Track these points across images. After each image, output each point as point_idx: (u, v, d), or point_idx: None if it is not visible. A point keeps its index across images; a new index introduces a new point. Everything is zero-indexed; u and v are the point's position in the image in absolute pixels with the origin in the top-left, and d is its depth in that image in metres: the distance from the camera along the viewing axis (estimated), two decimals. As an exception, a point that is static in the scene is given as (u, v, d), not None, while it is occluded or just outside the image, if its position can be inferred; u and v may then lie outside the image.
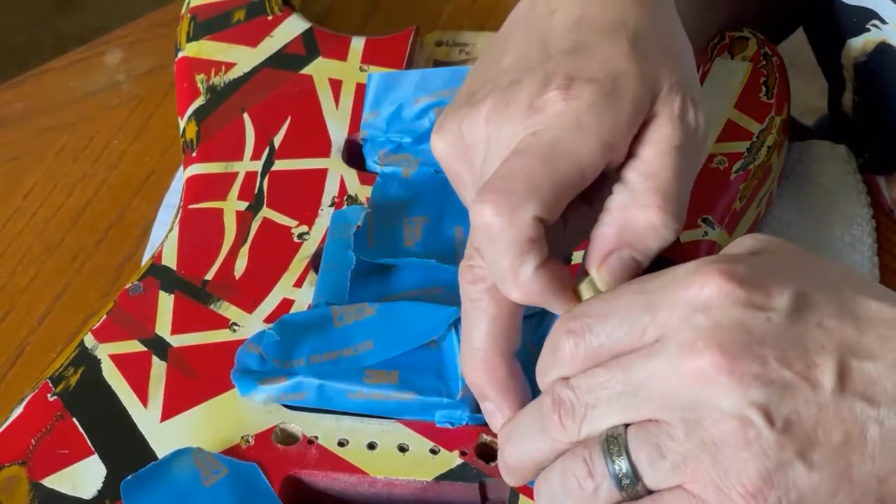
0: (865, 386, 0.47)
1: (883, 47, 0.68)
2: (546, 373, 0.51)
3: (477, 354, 0.55)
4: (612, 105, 0.53)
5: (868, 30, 0.69)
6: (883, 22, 0.67)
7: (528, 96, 0.54)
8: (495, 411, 0.56)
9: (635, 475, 0.48)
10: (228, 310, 0.64)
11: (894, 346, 0.48)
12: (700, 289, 0.49)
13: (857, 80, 0.71)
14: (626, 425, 0.49)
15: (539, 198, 0.52)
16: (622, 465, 0.49)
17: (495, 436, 0.59)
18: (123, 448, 0.60)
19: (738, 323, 0.48)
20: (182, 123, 0.72)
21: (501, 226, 0.52)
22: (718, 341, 0.47)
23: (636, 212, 0.54)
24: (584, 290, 0.54)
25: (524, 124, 0.54)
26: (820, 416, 0.47)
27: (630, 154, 0.54)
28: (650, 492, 0.49)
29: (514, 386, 0.56)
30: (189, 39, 0.75)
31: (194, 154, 0.71)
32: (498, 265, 0.53)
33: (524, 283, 0.53)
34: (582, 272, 0.55)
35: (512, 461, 0.52)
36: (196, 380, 0.62)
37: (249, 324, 0.64)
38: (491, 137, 0.55)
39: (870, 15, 0.69)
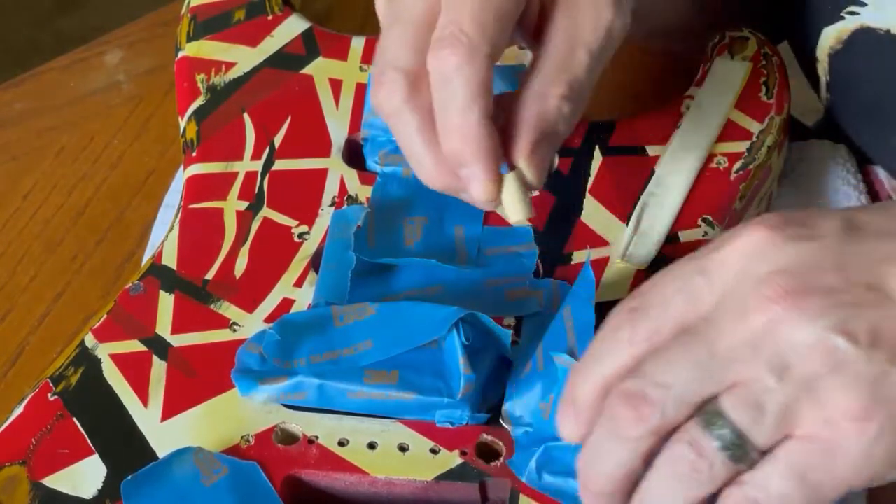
0: None
1: (861, 32, 0.68)
2: (601, 362, 0.50)
3: (461, 117, 0.55)
4: None
5: (843, 17, 0.69)
6: (861, 5, 0.67)
7: None
8: (473, 177, 0.55)
9: (743, 440, 0.47)
10: (229, 310, 0.64)
11: None
12: (747, 239, 0.49)
13: (832, 73, 0.71)
14: (714, 396, 0.48)
15: (488, 33, 0.54)
16: (726, 433, 0.47)
17: (495, 435, 0.59)
18: (123, 448, 0.60)
19: (793, 258, 0.48)
20: (182, 123, 0.72)
21: (459, 68, 0.54)
22: (779, 282, 0.47)
23: (550, 100, 0.56)
24: (510, 180, 0.55)
25: None
26: None
27: (543, 37, 0.56)
28: (764, 453, 0.48)
29: (495, 146, 0.55)
30: (189, 39, 0.75)
31: (194, 154, 0.71)
32: (449, 101, 0.54)
33: (468, 125, 0.54)
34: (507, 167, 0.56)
35: (598, 487, 0.50)
36: (196, 379, 0.62)
37: (249, 324, 0.64)
38: None
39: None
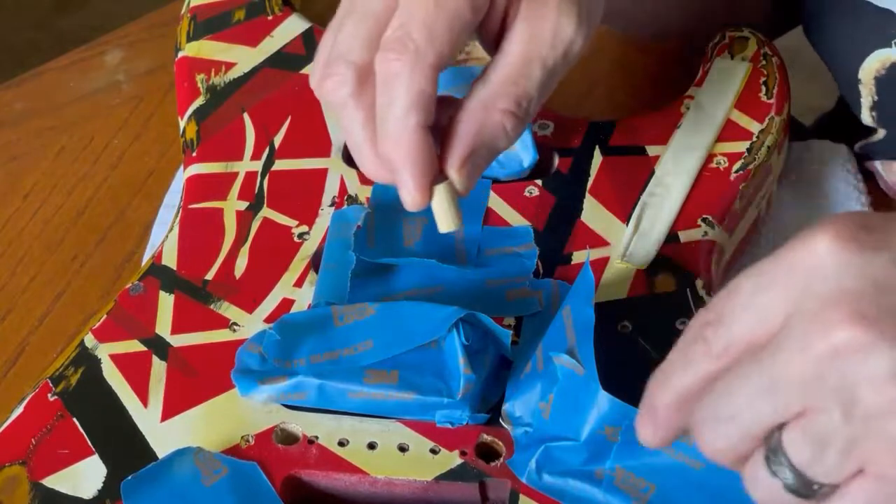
0: None
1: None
2: (678, 374, 0.48)
3: (397, 124, 0.54)
4: None
5: (890, 45, 0.69)
6: None
7: None
8: (403, 184, 0.55)
9: (803, 478, 0.45)
10: (229, 310, 0.64)
11: None
12: (811, 251, 0.44)
13: (879, 94, 0.71)
14: (781, 427, 0.45)
15: (437, 42, 0.53)
16: (787, 473, 0.45)
17: (495, 435, 0.59)
18: (123, 448, 0.60)
19: (861, 274, 0.43)
20: (182, 123, 0.72)
21: (401, 75, 0.53)
22: (846, 304, 0.43)
23: (493, 113, 0.55)
24: (441, 191, 0.55)
25: None
26: None
27: (501, 45, 0.55)
28: (835, 486, 0.45)
29: (427, 157, 0.54)
30: (189, 39, 0.75)
31: (194, 154, 0.71)
32: (389, 107, 0.54)
33: (404, 132, 0.53)
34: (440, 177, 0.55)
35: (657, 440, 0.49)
36: (196, 380, 0.62)
37: (249, 324, 0.64)
38: None
39: (891, 30, 0.68)
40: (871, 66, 0.70)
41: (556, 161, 0.69)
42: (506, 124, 0.55)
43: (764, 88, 0.70)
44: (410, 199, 0.55)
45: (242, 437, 0.60)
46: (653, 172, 0.67)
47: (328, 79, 0.56)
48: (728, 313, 0.46)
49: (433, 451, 0.59)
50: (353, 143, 0.57)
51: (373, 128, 0.55)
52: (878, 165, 0.74)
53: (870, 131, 0.73)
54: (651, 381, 0.49)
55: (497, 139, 0.56)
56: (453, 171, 0.55)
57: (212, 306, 0.65)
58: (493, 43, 0.57)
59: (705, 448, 0.47)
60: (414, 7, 0.54)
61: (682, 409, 0.48)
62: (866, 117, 0.72)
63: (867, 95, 0.71)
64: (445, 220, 0.56)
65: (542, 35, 0.55)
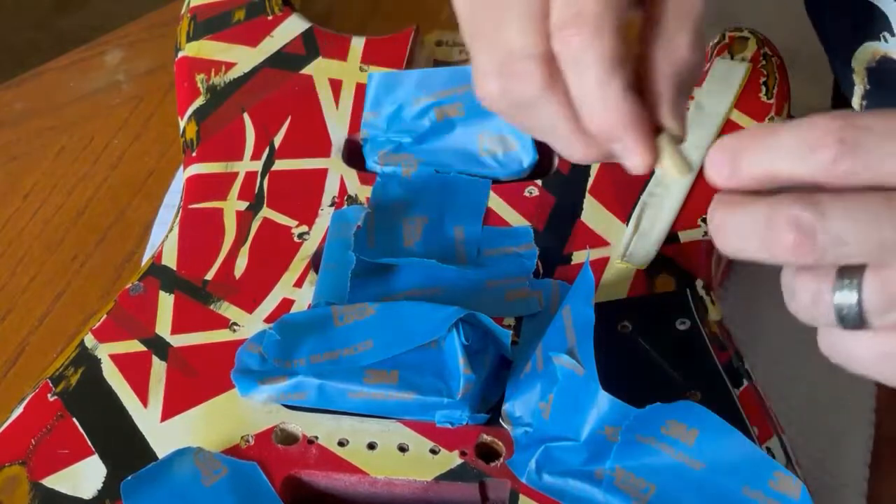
0: None
1: (886, 60, 0.68)
2: (787, 156, 0.47)
3: (602, 95, 0.53)
4: None
5: (879, 39, 0.69)
6: (892, 35, 0.67)
7: None
8: (628, 150, 0.53)
9: (862, 319, 0.45)
10: (228, 310, 0.64)
11: None
12: None
13: (870, 84, 0.71)
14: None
15: (609, 4, 0.52)
16: (852, 306, 0.46)
17: (495, 435, 0.59)
18: (123, 448, 0.60)
19: None
20: (182, 123, 0.72)
21: (587, 46, 0.52)
22: None
23: (679, 48, 0.54)
24: (664, 141, 0.54)
25: None
26: None
27: None
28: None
29: (642, 115, 0.53)
30: (189, 39, 0.75)
31: (194, 154, 0.71)
32: (586, 83, 0.52)
33: (612, 101, 0.52)
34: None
35: (725, 242, 0.48)
36: (196, 380, 0.62)
37: (249, 324, 0.64)
38: None
39: (881, 23, 0.68)
40: (864, 55, 0.70)
41: (556, 161, 0.69)
42: (695, 56, 0.54)
43: (764, 88, 0.70)
44: (640, 161, 0.54)
45: (242, 437, 0.60)
46: (653, 172, 0.67)
47: (511, 80, 0.54)
48: (872, 145, 0.45)
49: (433, 452, 0.59)
50: (558, 135, 0.55)
51: (573, 113, 0.54)
52: None
53: None
54: (751, 131, 0.48)
55: (691, 70, 0.55)
56: (668, 119, 0.54)
57: (212, 306, 0.65)
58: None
59: (779, 244, 0.46)
60: None
61: (764, 181, 0.47)
62: (856, 102, 0.72)
63: (859, 84, 0.71)
64: (679, 168, 0.55)
65: None
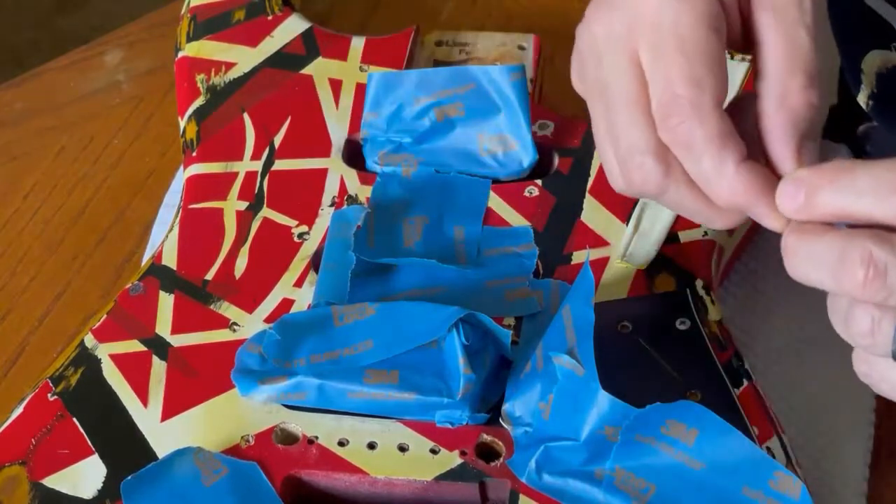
0: None
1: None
2: (868, 193, 0.48)
3: (719, 177, 0.53)
4: None
5: (889, 48, 0.69)
6: None
7: None
8: (762, 216, 0.53)
9: None
10: (228, 310, 0.64)
11: None
12: None
13: (878, 87, 0.71)
14: None
15: (704, 83, 0.52)
16: None
17: (495, 435, 0.59)
18: (123, 448, 0.60)
19: None
20: (182, 123, 0.72)
21: (693, 131, 0.52)
22: None
23: (794, 96, 0.53)
24: None
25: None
26: None
27: (757, 33, 0.54)
28: None
29: (763, 183, 0.53)
30: (189, 39, 0.75)
31: (194, 154, 0.71)
32: (701, 167, 0.53)
33: (730, 180, 0.52)
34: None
35: (796, 269, 0.49)
36: (196, 380, 0.62)
37: (249, 324, 0.64)
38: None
39: (888, 31, 0.68)
40: (874, 60, 0.70)
41: (556, 161, 0.69)
42: (812, 99, 0.54)
43: (764, 88, 0.70)
44: (777, 224, 0.53)
45: (242, 437, 0.60)
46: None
47: (633, 174, 0.55)
48: None
49: (433, 451, 0.59)
50: (692, 214, 0.56)
51: (699, 194, 0.54)
52: None
53: (866, 120, 0.73)
54: (828, 169, 0.49)
55: (813, 117, 0.54)
56: (790, 164, 0.53)
57: (212, 306, 0.65)
58: (739, 37, 0.56)
59: (849, 278, 0.47)
60: (665, 68, 0.53)
61: (837, 219, 0.48)
62: (862, 100, 0.72)
63: (867, 85, 0.71)
64: None
65: (791, 13, 0.54)
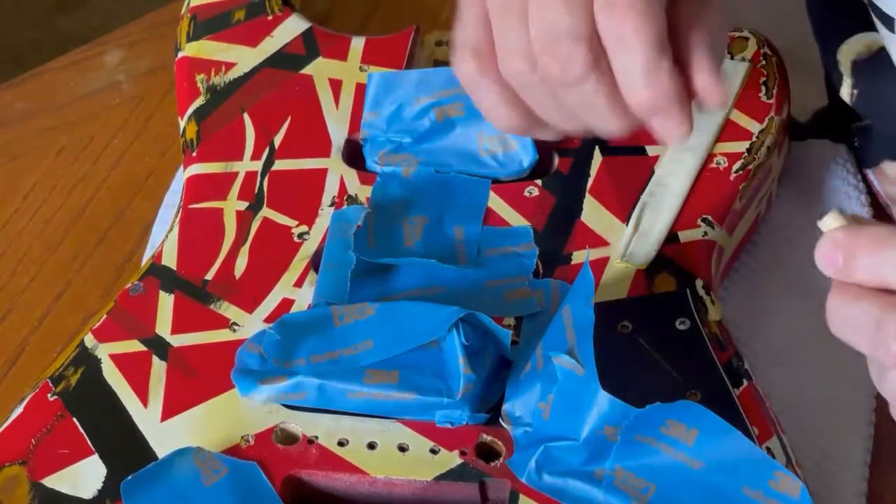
0: None
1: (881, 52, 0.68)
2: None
3: (648, 75, 0.53)
4: None
5: (867, 30, 0.69)
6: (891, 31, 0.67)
7: None
8: (671, 122, 0.54)
9: None
10: (228, 310, 0.64)
11: None
12: None
13: (855, 76, 0.71)
14: None
15: None
16: None
17: (495, 435, 0.59)
18: (123, 448, 0.60)
19: None
20: (182, 123, 0.72)
21: (636, 28, 0.52)
22: None
23: (713, 17, 0.55)
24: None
25: None
26: None
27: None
28: None
29: (682, 88, 0.54)
30: (189, 39, 0.75)
31: (194, 154, 0.71)
32: (632, 63, 0.53)
33: (662, 78, 0.53)
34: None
35: (837, 326, 0.49)
36: (196, 380, 0.62)
37: (249, 324, 0.64)
38: None
39: (866, 10, 0.68)
40: (849, 49, 0.70)
41: (556, 161, 0.69)
42: (721, 14, 0.55)
43: (764, 88, 0.70)
44: (684, 130, 0.54)
45: (242, 437, 0.60)
46: (652, 172, 0.67)
47: (552, 59, 0.54)
48: None
49: (433, 451, 0.59)
50: (599, 112, 0.55)
51: (614, 91, 0.54)
52: (871, 174, 0.74)
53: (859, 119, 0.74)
54: (866, 236, 0.48)
55: (722, 32, 0.56)
56: (707, 87, 0.55)
57: (212, 306, 0.65)
58: None
59: (892, 347, 0.47)
60: None
61: (874, 286, 0.48)
62: (846, 94, 0.72)
63: (847, 75, 0.71)
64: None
65: None
